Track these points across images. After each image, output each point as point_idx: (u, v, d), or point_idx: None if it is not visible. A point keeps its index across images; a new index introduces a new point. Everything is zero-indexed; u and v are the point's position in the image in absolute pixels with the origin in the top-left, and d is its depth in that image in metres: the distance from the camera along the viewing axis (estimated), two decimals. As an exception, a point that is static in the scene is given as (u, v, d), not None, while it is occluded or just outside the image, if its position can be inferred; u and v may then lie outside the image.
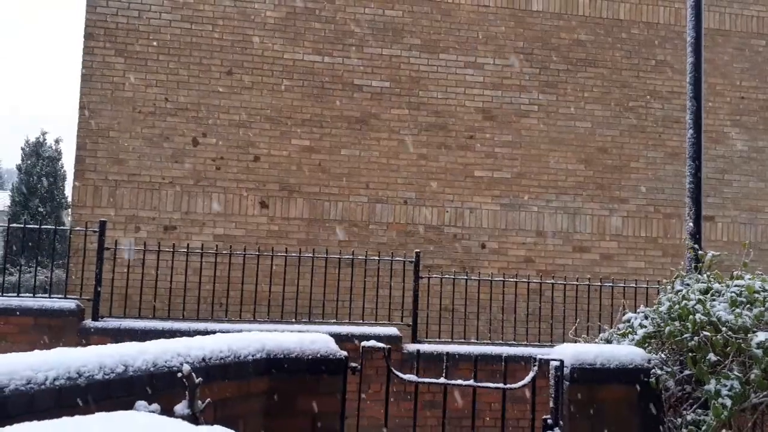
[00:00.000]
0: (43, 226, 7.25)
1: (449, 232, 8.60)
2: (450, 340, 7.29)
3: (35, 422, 1.94)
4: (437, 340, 7.24)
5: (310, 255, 7.52)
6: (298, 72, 8.60)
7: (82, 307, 6.76)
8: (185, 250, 7.29)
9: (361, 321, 7.35)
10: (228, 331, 5.33)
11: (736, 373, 2.84)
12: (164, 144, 8.25)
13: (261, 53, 8.52)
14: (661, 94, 9.32)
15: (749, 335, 2.94)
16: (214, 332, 4.92)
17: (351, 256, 7.51)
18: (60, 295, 7.11)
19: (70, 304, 6.75)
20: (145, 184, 8.18)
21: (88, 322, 6.71)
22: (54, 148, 19.06)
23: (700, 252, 4.29)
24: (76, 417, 2.07)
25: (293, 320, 7.27)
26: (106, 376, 2.45)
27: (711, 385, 2.79)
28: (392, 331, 6.85)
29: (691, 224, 4.58)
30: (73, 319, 6.66)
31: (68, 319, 6.65)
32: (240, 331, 5.03)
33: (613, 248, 9.05)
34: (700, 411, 2.88)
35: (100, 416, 2.13)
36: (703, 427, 2.78)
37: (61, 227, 7.55)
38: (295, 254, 7.53)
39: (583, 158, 9.03)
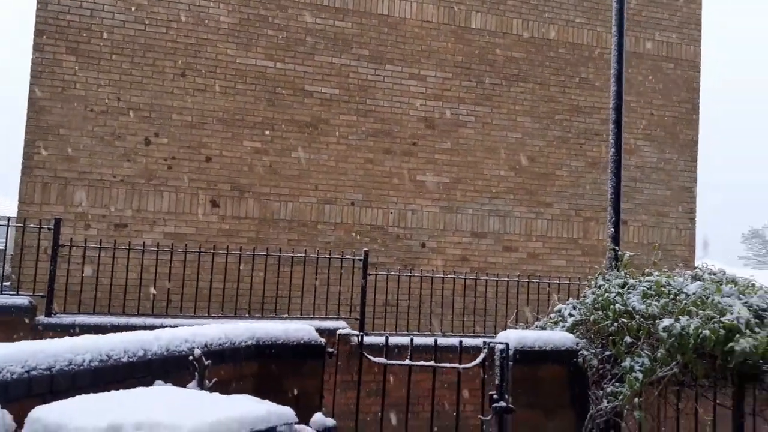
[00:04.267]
0: (-9, 223, 7.24)
1: (393, 232, 9.19)
2: (394, 332, 7.87)
3: (93, 394, 2.33)
4: (382, 332, 7.80)
5: (264, 253, 7.90)
6: (250, 76, 8.91)
7: (35, 303, 6.84)
8: (141, 248, 7.49)
9: (311, 315, 7.80)
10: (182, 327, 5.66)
11: (646, 352, 3.54)
12: (116, 142, 8.37)
13: (214, 57, 8.77)
14: (584, 109, 10.28)
15: (657, 321, 3.65)
16: (170, 327, 5.25)
17: (303, 255, 7.95)
18: (12, 292, 7.15)
19: (22, 300, 6.83)
20: (96, 182, 8.27)
21: (42, 318, 6.81)
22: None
23: (619, 252, 5.08)
24: (120, 391, 2.47)
25: (246, 315, 7.62)
26: (131, 359, 2.84)
27: (626, 363, 3.48)
28: (341, 324, 7.35)
29: (612, 229, 5.37)
30: (26, 316, 6.75)
31: (21, 316, 6.73)
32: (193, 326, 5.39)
33: (538, 248, 9.93)
34: (617, 384, 3.57)
35: (140, 390, 2.53)
36: (620, 397, 3.47)
37: (16, 224, 7.55)
38: (249, 252, 7.89)
39: (513, 166, 9.85)
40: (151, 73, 8.52)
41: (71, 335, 2.89)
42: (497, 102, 9.85)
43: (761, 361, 3.84)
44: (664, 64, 10.82)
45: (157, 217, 8.46)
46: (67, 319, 6.85)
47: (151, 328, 6.48)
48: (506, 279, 8.68)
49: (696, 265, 11.81)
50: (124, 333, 3.00)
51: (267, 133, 8.92)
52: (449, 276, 8.47)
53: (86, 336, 2.83)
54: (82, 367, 2.63)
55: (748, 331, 3.67)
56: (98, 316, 6.99)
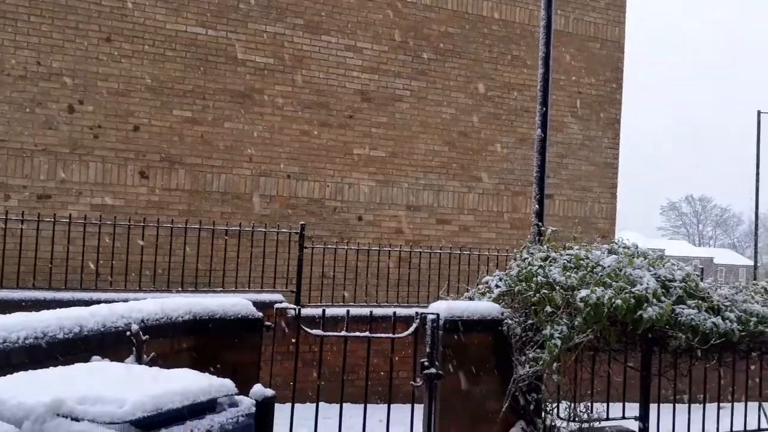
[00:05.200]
0: None
1: (329, 206, 9.25)
2: (330, 304, 8.00)
3: (30, 371, 2.33)
4: (319, 304, 7.91)
5: (197, 226, 7.80)
6: (180, 43, 8.64)
7: (-49, 278, 6.53)
8: (66, 220, 7.23)
9: (247, 289, 7.81)
10: (113, 301, 5.56)
11: (565, 320, 3.82)
12: (36, 110, 7.96)
13: (142, 22, 8.44)
14: (515, 86, 10.59)
15: (575, 292, 3.93)
16: (99, 302, 5.15)
17: (238, 228, 7.91)
18: (-75, 267, 6.77)
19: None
20: (15, 151, 7.87)
21: (-40, 294, 6.51)
22: None
23: (542, 228, 5.38)
24: (58, 368, 2.47)
25: (179, 289, 7.54)
26: (66, 336, 2.83)
27: (547, 330, 3.75)
28: (278, 297, 7.40)
29: (536, 205, 5.65)
30: (-58, 291, 6.43)
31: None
32: (126, 300, 5.33)
33: (470, 221, 10.26)
34: (538, 350, 3.84)
35: (79, 366, 2.54)
36: (540, 362, 3.75)
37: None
38: (181, 225, 7.77)
39: (447, 141, 10.07)
40: (74, 37, 8.11)
41: (-6, 312, 2.83)
42: (432, 77, 9.99)
43: (666, 327, 4.21)
44: (590, 44, 11.25)
45: (83, 189, 8.16)
46: (-13, 295, 6.56)
47: (81, 302, 6.34)
48: (439, 251, 8.95)
49: (616, 236, 12.52)
50: (57, 310, 2.97)
51: (198, 102, 8.71)
52: (385, 249, 8.65)
53: (18, 313, 2.78)
54: (17, 345, 2.60)
55: (654, 300, 4.02)
56: (22, 290, 6.73)
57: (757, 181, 20.45)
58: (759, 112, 21.05)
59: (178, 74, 8.62)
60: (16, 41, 7.85)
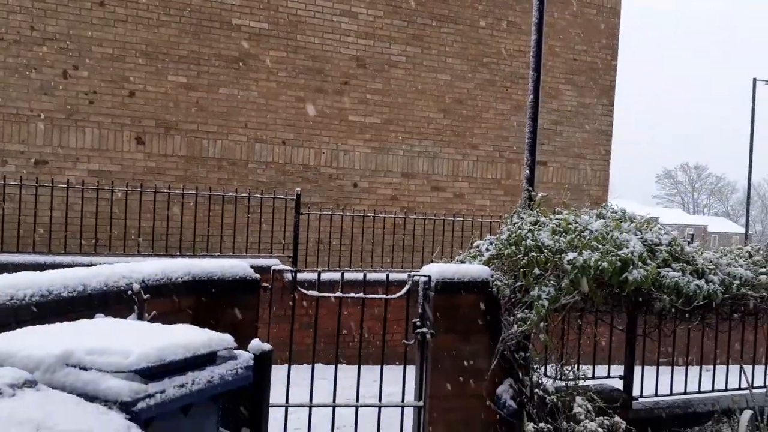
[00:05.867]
0: None
1: (325, 172, 9.32)
2: (326, 269, 8.13)
3: (38, 326, 2.44)
4: (315, 269, 8.04)
5: (194, 192, 7.87)
6: (175, 8, 8.57)
7: (-48, 242, 6.62)
8: (65, 186, 7.30)
9: (244, 254, 7.93)
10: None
11: (552, 282, 3.95)
12: (31, 75, 7.94)
13: (136, -15, 8.35)
14: (510, 53, 10.56)
15: (563, 255, 4.04)
16: (99, 265, 5.27)
17: (234, 194, 7.99)
18: (-75, 231, 6.86)
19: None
20: (12, 116, 7.88)
21: (-40, 258, 6.61)
22: None
23: (532, 193, 5.49)
24: (65, 323, 2.58)
25: (177, 254, 7.66)
26: (71, 294, 2.94)
27: (535, 292, 3.88)
28: (274, 262, 7.53)
29: (527, 171, 5.75)
30: (-57, 255, 6.53)
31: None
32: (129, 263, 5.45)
33: (464, 188, 10.35)
34: (526, 311, 3.97)
35: (84, 321, 2.65)
36: (528, 322, 3.89)
37: None
38: (178, 191, 7.84)
39: (442, 108, 10.09)
40: (68, 1, 8.04)
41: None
42: (427, 43, 9.95)
43: (651, 289, 4.35)
44: (587, 9, 11.18)
45: (80, 154, 8.20)
46: (-13, 259, 6.66)
47: (81, 266, 6.42)
48: (433, 218, 9.07)
49: (609, 203, 12.66)
50: (61, 269, 3.07)
51: (193, 68, 8.69)
52: (380, 215, 8.76)
53: (25, 272, 2.89)
54: (24, 302, 2.71)
55: (640, 263, 4.14)
56: (22, 254, 6.83)
57: (751, 148, 20.54)
58: (755, 80, 21.02)
59: (173, 39, 8.58)
60: (9, 5, 7.78)
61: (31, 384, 1.82)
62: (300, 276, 5.88)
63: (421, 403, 4.24)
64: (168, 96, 8.60)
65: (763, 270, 4.98)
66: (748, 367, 5.40)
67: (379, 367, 4.30)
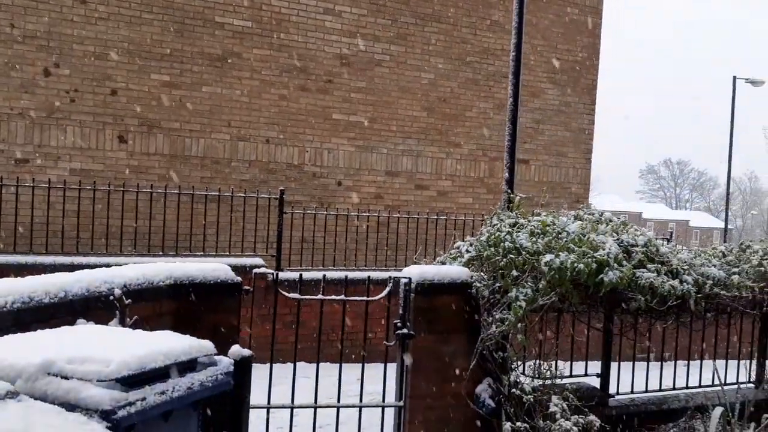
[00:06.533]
0: None
1: (309, 171, 9.34)
2: (310, 267, 8.18)
3: (20, 334, 2.47)
4: (298, 268, 8.08)
5: (176, 191, 7.86)
6: (157, 5, 8.53)
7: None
8: (46, 185, 7.26)
9: (227, 253, 7.94)
10: (95, 265, 5.67)
11: (530, 283, 4.03)
12: (11, 73, 7.87)
13: (117, -17, 8.30)
14: (493, 51, 10.63)
15: (540, 257, 4.13)
16: (80, 266, 5.26)
17: (217, 193, 7.99)
18: None
19: None
20: (-9, 115, 7.80)
21: (-60, 258, 6.56)
22: None
23: (511, 195, 5.58)
24: (46, 330, 2.61)
25: (160, 253, 7.65)
26: (52, 300, 2.96)
27: (513, 293, 3.96)
28: (258, 261, 7.57)
29: (507, 173, 5.83)
30: None
31: None
32: (108, 265, 5.45)
33: (448, 186, 10.43)
34: (505, 312, 4.05)
35: (66, 328, 2.68)
36: (506, 322, 3.97)
37: None
38: (161, 190, 7.83)
39: (426, 106, 10.14)
40: (48, -2, 7.97)
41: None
42: (411, 41, 9.99)
43: (627, 289, 4.45)
44: (569, 9, 11.28)
45: (61, 153, 8.15)
46: (-33, 259, 6.62)
47: (62, 266, 6.43)
48: (417, 216, 9.13)
49: (591, 200, 12.80)
50: (42, 275, 3.09)
51: (176, 66, 8.66)
52: (364, 214, 8.81)
53: (5, 279, 2.90)
54: (5, 309, 2.73)
55: (616, 264, 4.24)
56: (3, 255, 6.80)
57: (731, 145, 20.85)
58: (734, 78, 21.32)
59: (156, 37, 8.55)
60: (-13, 2, 7.70)
61: (12, 395, 1.85)
62: (283, 275, 5.93)
63: (401, 404, 4.32)
64: (151, 94, 8.56)
65: (735, 270, 5.12)
66: (721, 364, 5.55)
67: (361, 364, 4.36)
